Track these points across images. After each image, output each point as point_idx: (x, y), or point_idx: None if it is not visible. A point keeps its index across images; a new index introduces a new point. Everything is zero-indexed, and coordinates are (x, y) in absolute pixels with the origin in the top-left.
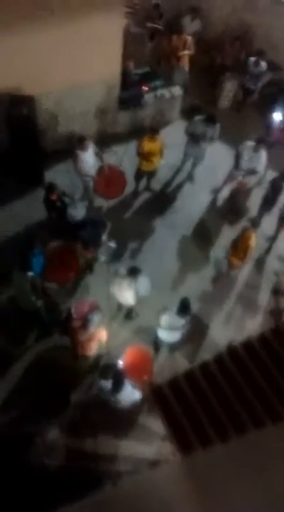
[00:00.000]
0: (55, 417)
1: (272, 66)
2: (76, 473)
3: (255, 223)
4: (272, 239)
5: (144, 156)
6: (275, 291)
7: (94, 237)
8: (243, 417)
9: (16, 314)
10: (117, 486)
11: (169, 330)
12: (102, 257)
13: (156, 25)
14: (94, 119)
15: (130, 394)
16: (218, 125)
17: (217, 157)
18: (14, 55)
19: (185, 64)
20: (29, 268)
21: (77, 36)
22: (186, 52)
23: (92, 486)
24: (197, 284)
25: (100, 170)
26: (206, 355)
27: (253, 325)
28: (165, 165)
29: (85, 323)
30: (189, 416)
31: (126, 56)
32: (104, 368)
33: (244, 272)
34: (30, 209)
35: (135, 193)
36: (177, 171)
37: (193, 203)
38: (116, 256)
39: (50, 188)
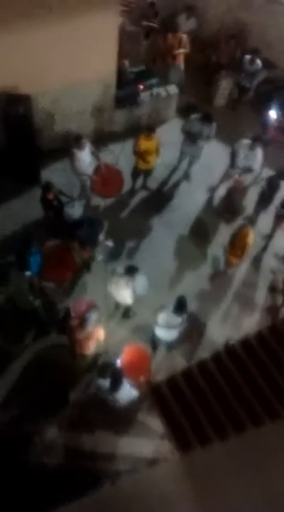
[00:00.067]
0: (53, 416)
1: (268, 64)
2: (74, 472)
3: (251, 221)
4: (269, 237)
5: (140, 154)
6: (272, 289)
7: (91, 236)
8: (242, 415)
9: (14, 313)
10: (116, 485)
11: (166, 328)
12: (99, 256)
13: (151, 24)
14: (91, 117)
15: (128, 393)
16: (214, 123)
17: (213, 155)
18: (11, 54)
19: (181, 62)
20: (26, 268)
21: (73, 34)
22: (181, 50)
23: (91, 485)
24: (194, 283)
25: (97, 169)
26: (203, 353)
27: (251, 323)
28: (161, 163)
29: (83, 322)
30: (188, 414)
31: (121, 55)
32: (102, 366)
33: (241, 270)
34: (27, 208)
35: (132, 192)
36: (174, 170)
37: (190, 201)
38: (113, 255)
39: (47, 187)
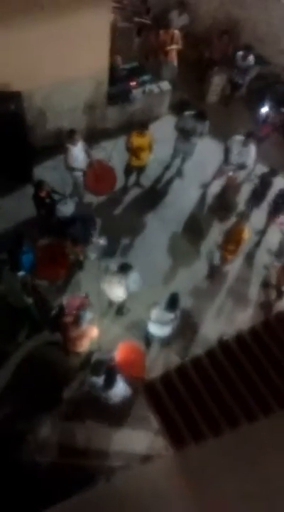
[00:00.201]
0: (46, 414)
1: (260, 60)
2: (68, 469)
3: (245, 217)
4: (262, 233)
5: (133, 151)
6: (265, 285)
7: (84, 233)
8: (236, 411)
9: (6, 311)
10: (110, 482)
11: (159, 324)
12: (92, 255)
13: (143, 20)
14: (83, 114)
15: (122, 390)
16: (207, 120)
17: (206, 152)
18: (1, 51)
19: (173, 58)
20: (19, 268)
21: (64, 32)
22: (174, 46)
23: (85, 483)
24: (188, 279)
25: (90, 166)
26: (197, 349)
27: (244, 318)
28: (154, 160)
29: (77, 319)
30: (182, 410)
31: (113, 51)
32: (96, 364)
33: (234, 266)
34: (19, 206)
35: (125, 189)
36: (167, 167)
37: (183, 198)
38: (106, 252)
39: (39, 184)
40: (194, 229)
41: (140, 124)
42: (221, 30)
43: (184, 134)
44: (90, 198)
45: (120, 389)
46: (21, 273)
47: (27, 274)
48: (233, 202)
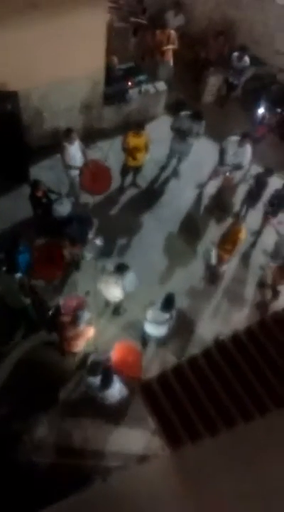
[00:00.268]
0: (43, 414)
1: (256, 61)
2: (64, 470)
3: (240, 218)
4: (258, 233)
5: (130, 151)
6: (261, 285)
7: (81, 233)
8: (232, 411)
9: (3, 311)
10: (106, 482)
11: (154, 324)
12: (88, 255)
13: (140, 20)
14: (79, 114)
15: (119, 390)
16: (203, 121)
17: (202, 152)
18: None
19: (169, 59)
20: (16, 270)
21: (61, 32)
22: (170, 46)
23: (81, 483)
24: (184, 279)
25: (85, 166)
26: (194, 349)
27: (240, 318)
28: (150, 160)
29: (75, 319)
30: (178, 410)
31: (109, 51)
32: (92, 364)
33: (230, 266)
34: (16, 206)
35: (121, 189)
36: (163, 167)
37: (179, 198)
38: (103, 253)
39: (36, 184)
40: (190, 229)
41: (136, 124)
42: (217, 31)
43: (181, 135)
44: (86, 198)
45: (117, 390)
46: (19, 275)
47: (24, 276)
48: (229, 202)
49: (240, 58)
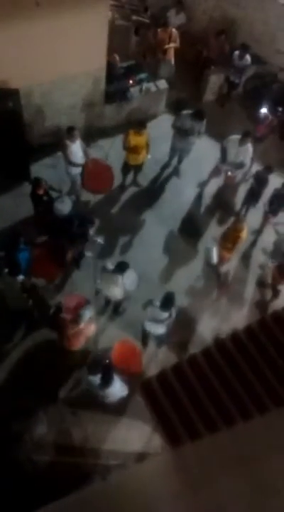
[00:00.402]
0: (43, 413)
1: (257, 59)
2: (64, 468)
3: (241, 216)
4: (258, 232)
5: (131, 150)
6: (261, 284)
7: (81, 232)
8: (231, 409)
9: (3, 310)
10: (106, 480)
11: (154, 322)
12: (89, 253)
13: (141, 19)
14: (81, 112)
15: (119, 389)
16: (205, 119)
17: (203, 151)
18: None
19: (171, 57)
20: (17, 272)
21: (62, 29)
22: (171, 45)
23: (81, 481)
24: (184, 278)
25: (86, 165)
26: (193, 348)
27: (240, 317)
28: (151, 159)
29: (77, 317)
30: (178, 409)
31: (111, 49)
32: (92, 363)
33: (230, 265)
34: (16, 204)
35: (123, 188)
36: (164, 165)
37: (180, 197)
38: (103, 252)
39: (37, 182)
40: (191, 228)
41: (137, 123)
42: (218, 30)
43: (182, 133)
44: (88, 197)
45: (117, 388)
46: (21, 277)
47: (26, 278)
48: (231, 201)
49: (241, 57)
